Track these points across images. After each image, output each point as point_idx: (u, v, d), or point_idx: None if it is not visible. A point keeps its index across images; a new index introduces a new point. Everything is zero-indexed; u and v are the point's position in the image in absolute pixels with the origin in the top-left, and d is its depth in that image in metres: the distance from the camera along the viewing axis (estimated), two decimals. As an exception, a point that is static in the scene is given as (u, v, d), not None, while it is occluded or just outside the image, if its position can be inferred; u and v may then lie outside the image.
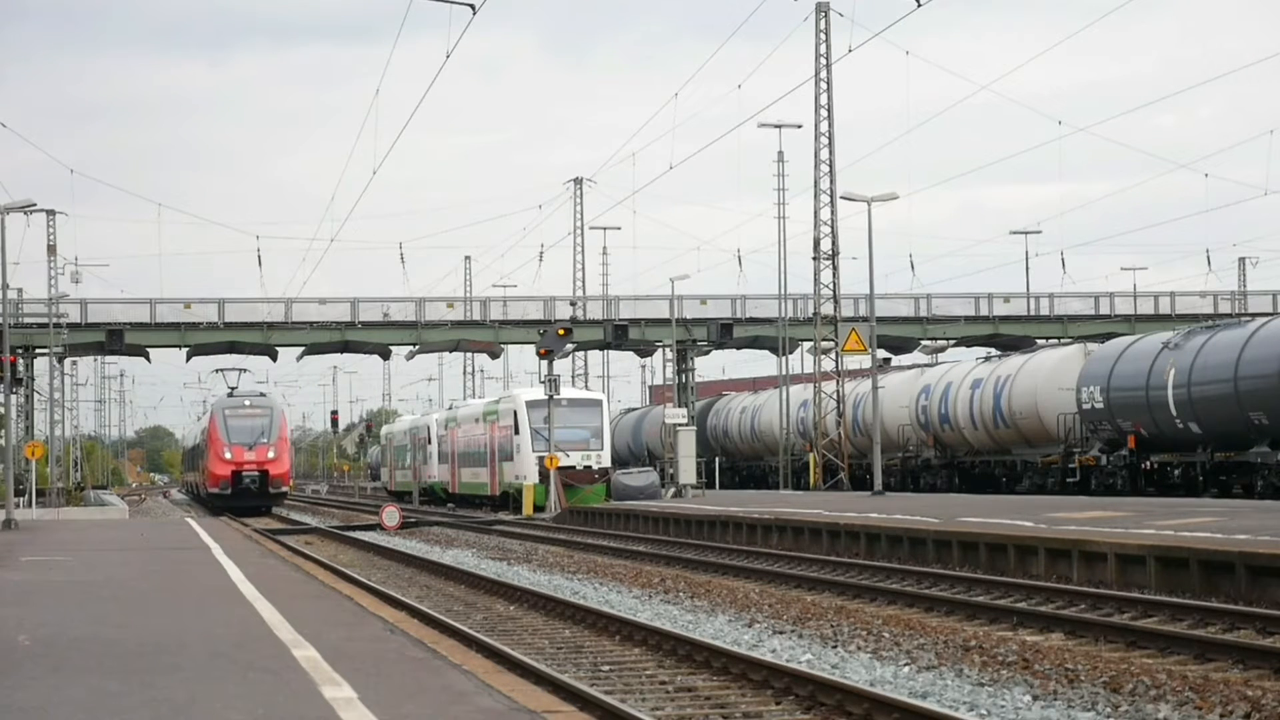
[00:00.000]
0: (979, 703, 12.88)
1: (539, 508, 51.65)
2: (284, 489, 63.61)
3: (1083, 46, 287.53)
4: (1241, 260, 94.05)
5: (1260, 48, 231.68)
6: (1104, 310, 74.22)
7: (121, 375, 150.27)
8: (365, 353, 79.22)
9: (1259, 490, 37.84)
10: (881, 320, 60.94)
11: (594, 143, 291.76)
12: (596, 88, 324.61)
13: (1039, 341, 67.72)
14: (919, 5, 32.81)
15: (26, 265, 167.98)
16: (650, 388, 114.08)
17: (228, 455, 60.98)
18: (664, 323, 69.70)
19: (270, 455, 61.41)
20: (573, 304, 74.01)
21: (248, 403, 63.11)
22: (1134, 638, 16.40)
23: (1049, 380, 48.56)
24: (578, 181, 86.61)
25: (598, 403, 56.14)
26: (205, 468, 64.90)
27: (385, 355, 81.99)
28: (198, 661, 12.34)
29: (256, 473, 61.03)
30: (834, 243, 58.46)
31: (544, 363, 53.77)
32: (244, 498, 60.96)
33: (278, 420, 62.82)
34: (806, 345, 65.76)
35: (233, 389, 66.62)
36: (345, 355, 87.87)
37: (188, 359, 74.63)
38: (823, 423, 60.26)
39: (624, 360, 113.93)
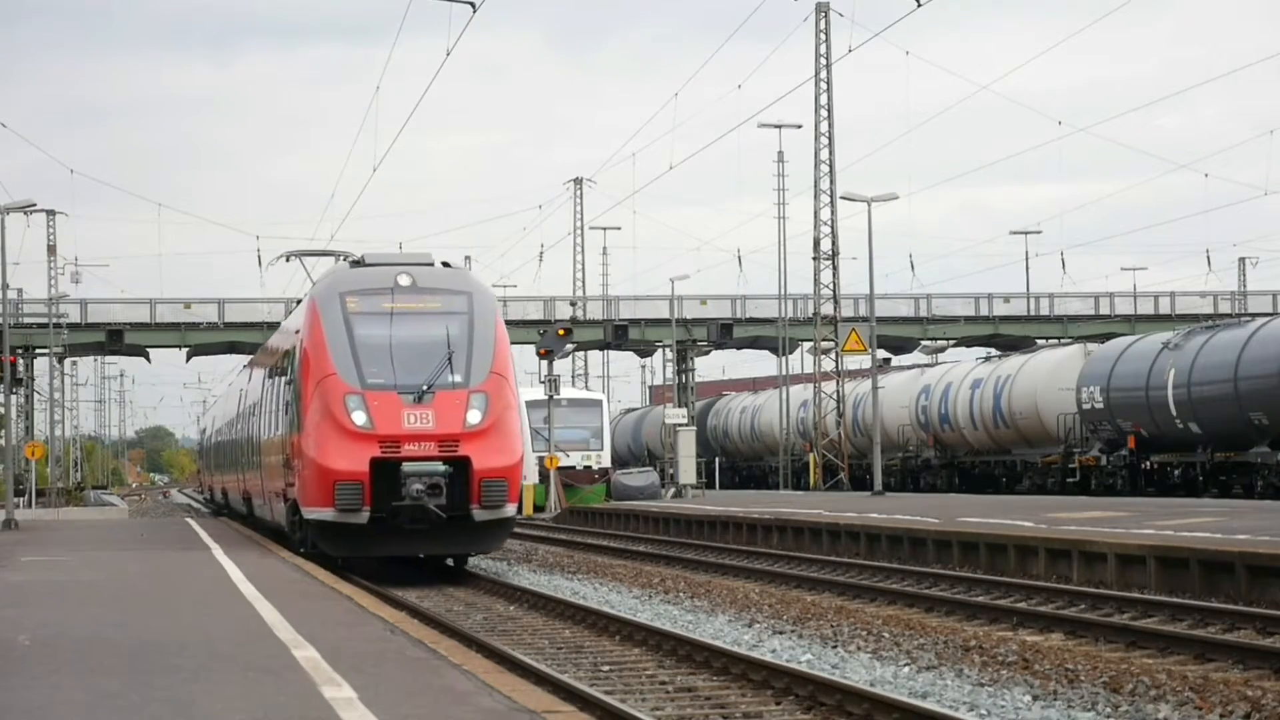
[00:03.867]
0: (979, 703, 12.88)
1: (539, 508, 51.64)
2: (508, 509, 24.91)
3: (1083, 46, 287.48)
4: (1241, 260, 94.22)
5: (1261, 48, 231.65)
6: (1104, 310, 74.26)
7: (121, 375, 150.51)
8: (366, 352, 79.02)
9: (1259, 490, 37.86)
10: (881, 320, 60.95)
11: (594, 143, 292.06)
12: (597, 87, 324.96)
13: (1039, 341, 67.76)
14: (919, 5, 32.80)
15: (26, 265, 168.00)
16: (650, 388, 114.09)
17: (358, 419, 24.27)
18: (664, 323, 69.70)
19: (473, 419, 24.51)
20: (573, 304, 74.02)
21: (403, 280, 25.73)
22: (1134, 638, 16.40)
23: (1049, 380, 48.58)
24: (578, 181, 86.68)
25: (598, 403, 56.15)
26: (294, 451, 25.98)
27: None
28: (198, 661, 12.33)
29: (439, 463, 24.25)
30: (834, 243, 58.48)
31: (544, 363, 53.78)
32: (405, 531, 24.38)
33: (486, 331, 25.55)
34: (806, 345, 65.77)
35: (358, 259, 27.27)
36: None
37: (188, 359, 74.62)
38: (823, 423, 60.25)
39: (624, 360, 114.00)
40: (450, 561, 27.08)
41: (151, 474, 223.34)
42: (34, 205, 50.11)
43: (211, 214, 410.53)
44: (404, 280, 25.62)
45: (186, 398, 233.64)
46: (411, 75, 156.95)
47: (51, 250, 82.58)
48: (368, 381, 24.42)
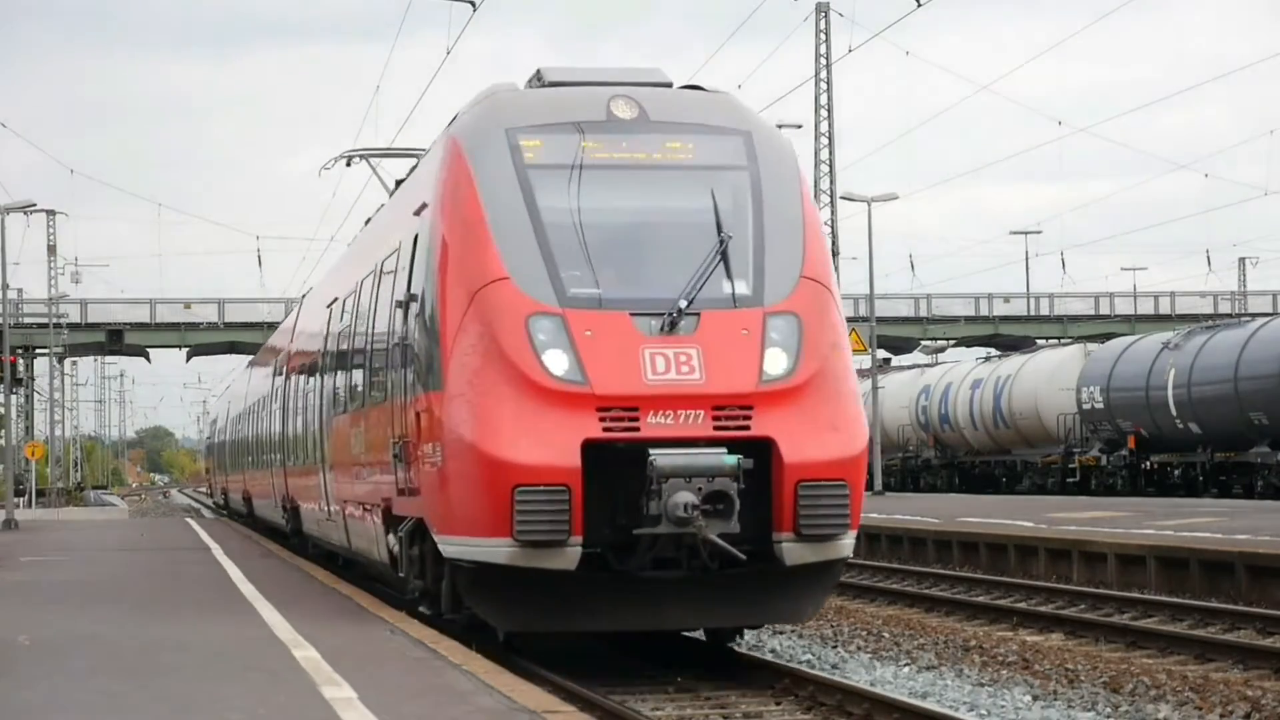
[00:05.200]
0: (979, 703, 12.88)
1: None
2: (844, 542, 12.79)
3: (1083, 47, 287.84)
4: (1241, 260, 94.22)
5: (1261, 48, 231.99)
6: (1104, 310, 74.31)
7: (121, 375, 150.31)
8: (366, 353, 78.93)
9: (1259, 490, 37.88)
10: (881, 320, 60.96)
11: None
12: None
13: (1039, 342, 67.78)
14: (919, 5, 32.79)
15: (26, 265, 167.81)
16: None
17: (555, 365, 12.42)
18: (664, 323, 69.60)
19: (775, 365, 12.59)
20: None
21: (622, 109, 13.66)
22: (1134, 638, 16.40)
23: (1049, 380, 48.59)
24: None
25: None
26: (419, 428, 13.40)
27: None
28: (198, 661, 12.33)
29: (723, 451, 12.19)
30: (834, 243, 58.44)
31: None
32: (647, 583, 12.55)
33: (786, 203, 13.58)
34: (806, 345, 65.67)
35: (533, 76, 14.40)
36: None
37: (188, 359, 74.72)
38: (823, 423, 60.20)
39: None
40: (701, 634, 14.71)
41: (152, 474, 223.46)
42: (34, 205, 50.18)
43: (211, 214, 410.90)
44: (624, 109, 13.84)
45: (186, 398, 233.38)
46: (412, 75, 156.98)
47: (51, 250, 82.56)
48: (570, 294, 12.89)
